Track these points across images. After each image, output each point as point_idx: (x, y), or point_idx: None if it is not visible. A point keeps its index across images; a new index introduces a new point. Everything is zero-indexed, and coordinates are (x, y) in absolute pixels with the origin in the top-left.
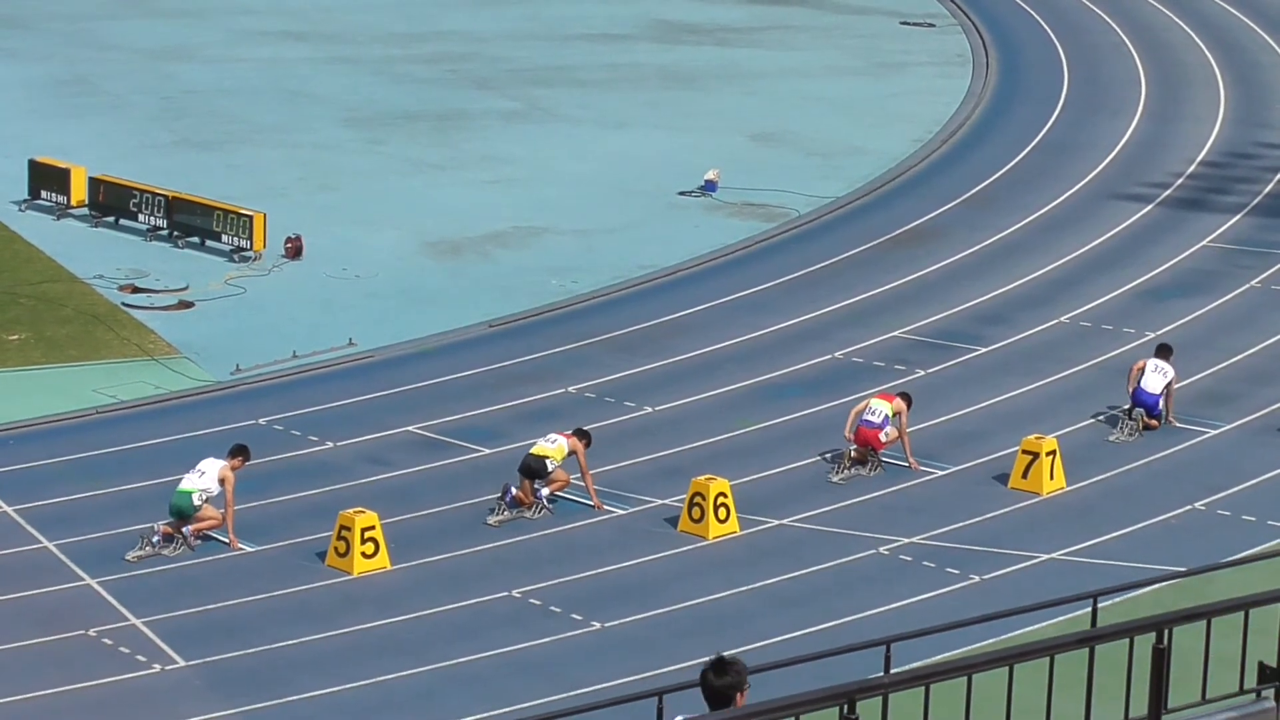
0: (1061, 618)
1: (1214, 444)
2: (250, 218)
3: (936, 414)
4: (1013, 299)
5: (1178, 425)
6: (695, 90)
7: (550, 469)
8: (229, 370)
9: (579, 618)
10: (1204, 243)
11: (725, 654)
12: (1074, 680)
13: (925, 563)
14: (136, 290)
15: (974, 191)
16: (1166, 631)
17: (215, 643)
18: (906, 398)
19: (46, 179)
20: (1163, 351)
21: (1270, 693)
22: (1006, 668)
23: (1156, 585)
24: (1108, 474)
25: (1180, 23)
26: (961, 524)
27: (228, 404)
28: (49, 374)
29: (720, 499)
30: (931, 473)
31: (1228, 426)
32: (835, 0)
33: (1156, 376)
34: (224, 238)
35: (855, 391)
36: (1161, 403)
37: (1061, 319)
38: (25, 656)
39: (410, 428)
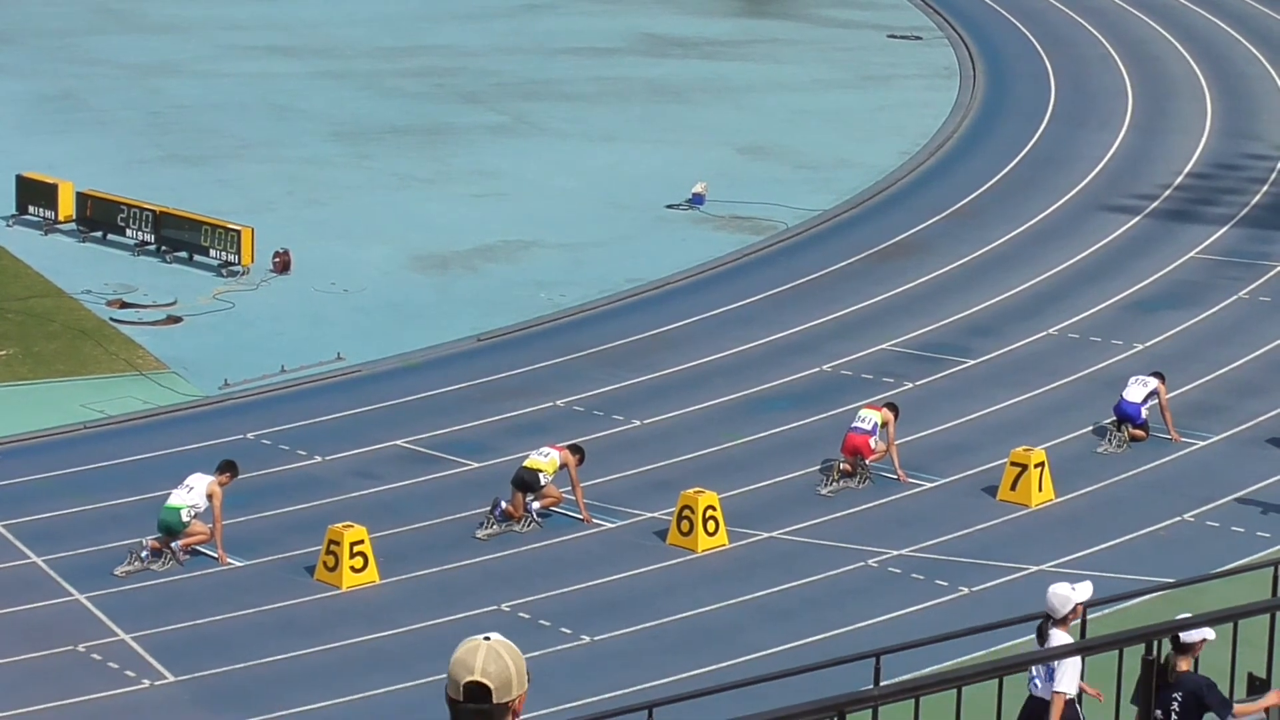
0: None
1: (1202, 455)
2: (238, 232)
3: (925, 426)
4: (1001, 311)
5: (1182, 441)
6: (683, 104)
7: (543, 482)
8: (217, 385)
9: (568, 631)
10: (1191, 254)
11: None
12: None
13: (914, 575)
14: (124, 305)
15: (962, 204)
16: (1156, 643)
17: (204, 657)
18: (893, 408)
19: (34, 194)
20: (1156, 375)
21: None
22: (996, 679)
23: (1146, 596)
24: (1096, 485)
25: (1166, 35)
26: (951, 536)
27: (216, 419)
28: (37, 389)
29: (709, 512)
30: (920, 485)
31: (1216, 438)
32: (823, 14)
33: (1136, 387)
34: (212, 252)
35: (844, 404)
36: (1144, 413)
37: (1050, 331)
38: (14, 672)
39: (398, 442)
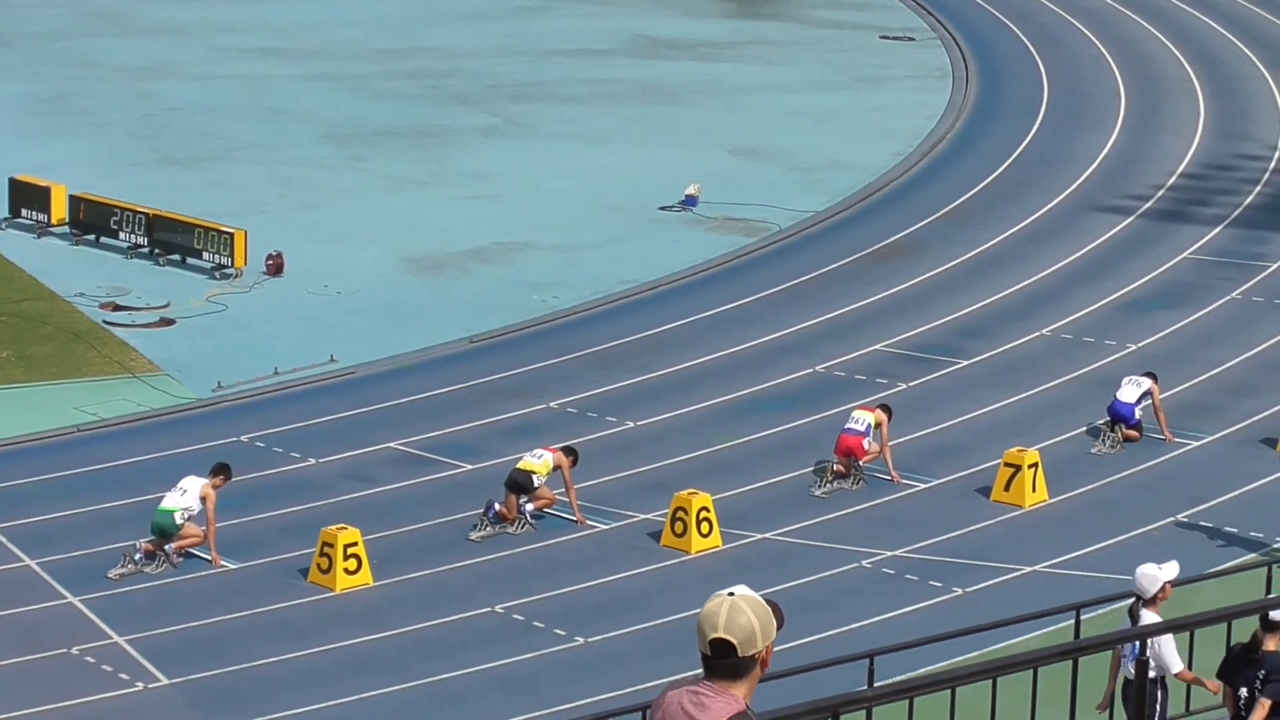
0: (1045, 630)
1: (1196, 456)
2: (231, 235)
3: (918, 427)
4: (994, 312)
5: (1175, 441)
6: (676, 105)
7: (536, 484)
8: (210, 387)
9: (562, 633)
10: (1184, 255)
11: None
12: (1058, 692)
13: (908, 576)
14: (118, 308)
15: (954, 205)
16: (1147, 643)
17: (198, 660)
18: (887, 409)
19: (27, 197)
20: (1150, 375)
21: None
22: (990, 680)
23: None
24: (1090, 486)
25: (1159, 35)
26: (944, 537)
27: (209, 421)
28: (30, 392)
29: (703, 513)
30: (914, 486)
31: (1209, 438)
32: (815, 15)
33: (1131, 388)
34: (205, 255)
35: (837, 406)
36: (1138, 413)
37: (1043, 332)
38: (7, 675)
39: (392, 444)
